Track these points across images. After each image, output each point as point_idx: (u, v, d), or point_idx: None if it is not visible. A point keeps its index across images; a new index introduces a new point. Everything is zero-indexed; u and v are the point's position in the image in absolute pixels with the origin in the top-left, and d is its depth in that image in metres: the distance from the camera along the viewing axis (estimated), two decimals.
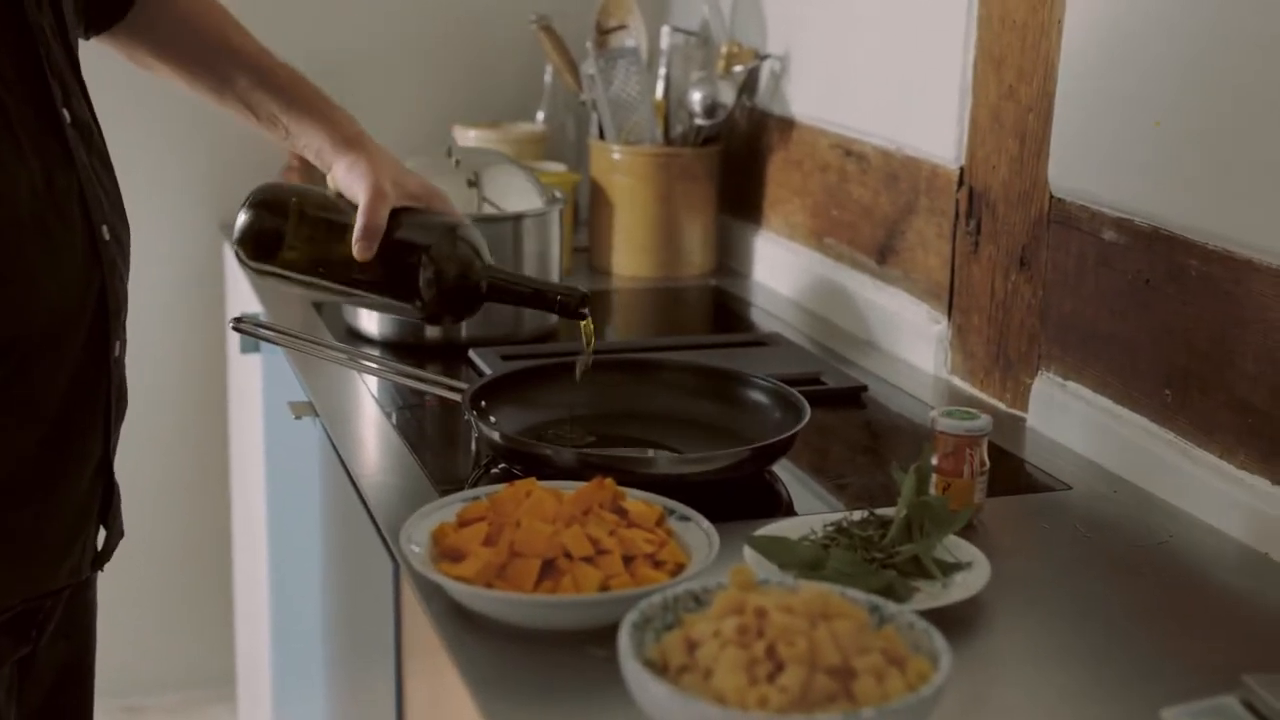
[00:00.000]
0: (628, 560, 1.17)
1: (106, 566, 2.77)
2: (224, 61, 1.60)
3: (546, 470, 1.38)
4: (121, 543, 2.64)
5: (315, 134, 1.59)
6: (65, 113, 1.33)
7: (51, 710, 1.45)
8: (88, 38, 1.55)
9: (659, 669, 0.98)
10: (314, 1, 2.54)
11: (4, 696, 1.39)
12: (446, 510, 1.26)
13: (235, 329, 1.65)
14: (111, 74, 2.44)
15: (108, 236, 1.36)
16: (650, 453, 1.50)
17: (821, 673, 0.94)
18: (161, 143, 2.54)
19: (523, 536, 1.17)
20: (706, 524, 1.25)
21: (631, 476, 1.33)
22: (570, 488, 1.25)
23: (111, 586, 2.63)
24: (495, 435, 1.44)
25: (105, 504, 1.42)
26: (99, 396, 1.37)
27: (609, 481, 1.24)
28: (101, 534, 1.44)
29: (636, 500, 1.26)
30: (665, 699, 0.94)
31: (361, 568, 1.50)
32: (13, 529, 1.32)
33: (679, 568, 1.19)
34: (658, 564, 1.19)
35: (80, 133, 1.35)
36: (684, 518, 1.26)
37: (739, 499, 1.43)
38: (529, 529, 1.17)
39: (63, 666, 1.46)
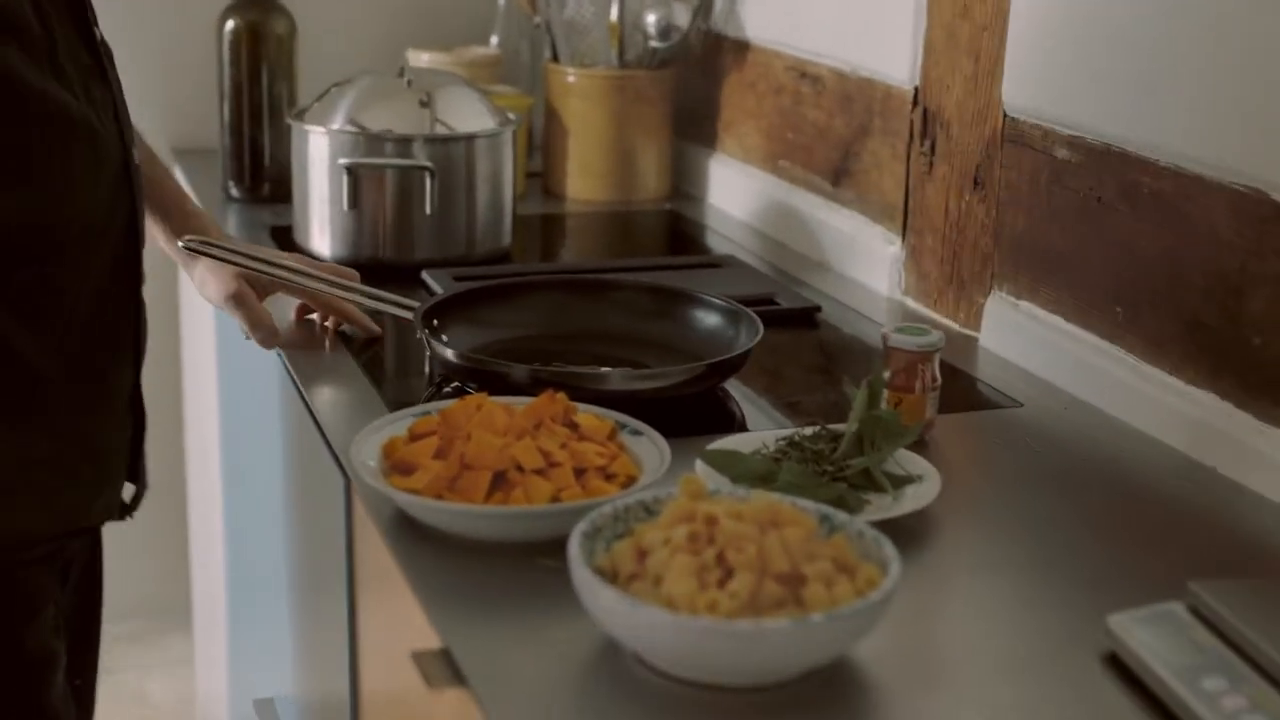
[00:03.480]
0: (579, 473, 1.17)
1: None
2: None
3: (499, 387, 1.38)
4: None
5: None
6: (97, 31, 1.34)
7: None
8: None
9: (609, 577, 0.98)
10: None
11: (54, 637, 1.38)
12: (398, 425, 1.26)
13: (184, 247, 1.63)
14: None
15: (137, 161, 1.36)
16: (604, 369, 1.50)
17: (771, 579, 0.95)
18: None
19: (473, 449, 1.16)
20: (659, 438, 1.25)
21: (586, 393, 1.33)
22: (522, 403, 1.25)
23: None
24: (448, 353, 1.44)
25: (135, 447, 1.43)
26: (128, 325, 1.37)
27: (560, 395, 1.24)
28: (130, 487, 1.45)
29: (588, 414, 1.26)
30: (615, 605, 0.94)
31: (314, 487, 1.50)
32: (46, 457, 1.31)
33: (630, 480, 1.19)
34: (609, 477, 1.19)
35: (105, 53, 1.35)
36: (636, 432, 1.26)
37: (693, 417, 1.43)
38: (479, 442, 1.17)
39: (76, 613, 1.48)
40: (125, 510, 1.44)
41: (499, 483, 1.16)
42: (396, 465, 1.20)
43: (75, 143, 1.28)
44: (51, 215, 1.27)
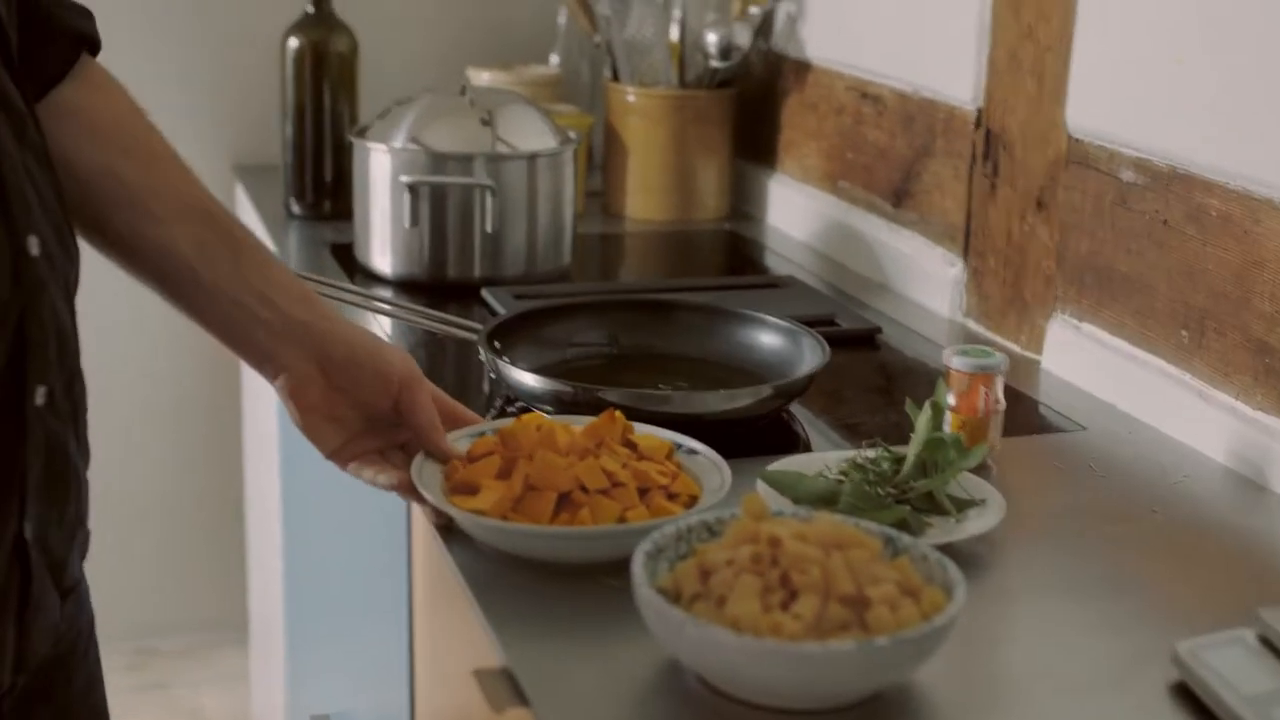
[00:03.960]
0: (642, 493, 1.17)
1: (119, 509, 2.67)
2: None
3: (564, 408, 1.38)
4: (135, 485, 2.67)
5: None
6: None
7: None
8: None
9: (672, 597, 0.98)
10: None
11: None
12: (456, 445, 1.25)
13: None
14: (112, 5, 2.43)
15: (35, 251, 1.03)
16: (668, 390, 1.50)
17: (835, 601, 0.94)
18: (170, 77, 2.53)
19: (537, 469, 1.16)
20: (716, 456, 1.24)
21: (652, 415, 1.33)
22: (579, 422, 1.25)
23: (123, 529, 2.64)
24: (520, 374, 1.43)
25: (23, 599, 1.07)
26: (11, 461, 1.03)
27: (619, 415, 1.23)
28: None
29: (645, 434, 1.25)
30: (679, 625, 0.93)
31: (374, 506, 1.50)
32: None
33: (692, 500, 1.19)
34: (671, 496, 1.18)
35: (8, 115, 1.03)
36: (691, 451, 1.26)
37: (754, 437, 1.42)
38: (543, 462, 1.16)
39: None
40: (19, 667, 1.08)
41: (563, 503, 1.15)
42: (458, 486, 1.19)
43: None
44: None
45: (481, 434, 1.26)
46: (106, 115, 1.20)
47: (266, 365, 1.22)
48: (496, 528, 1.14)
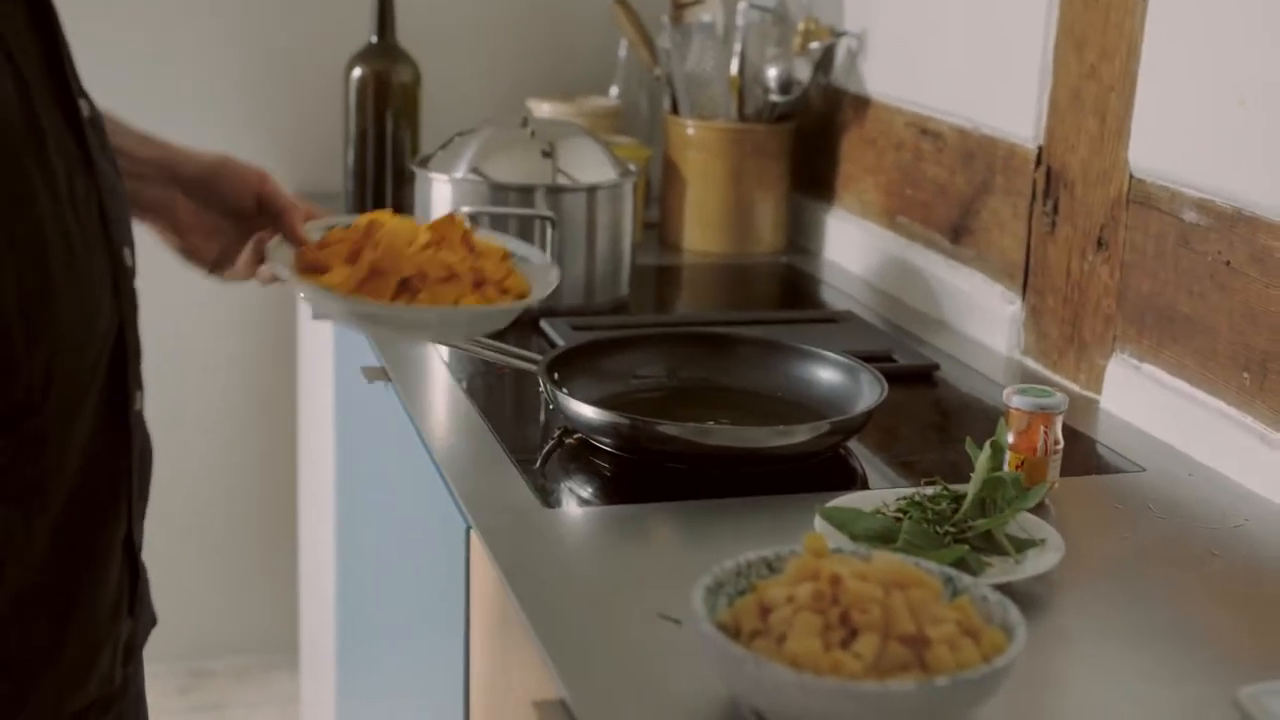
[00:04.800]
0: (477, 285, 1.30)
1: (175, 531, 2.68)
2: None
3: (623, 441, 1.39)
4: (188, 507, 2.69)
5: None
6: (83, 104, 1.05)
7: None
8: None
9: (732, 633, 0.98)
10: None
11: None
12: (312, 233, 1.35)
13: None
14: (182, 36, 2.46)
15: (129, 262, 1.08)
16: (727, 424, 1.50)
17: (895, 640, 0.94)
18: (237, 104, 2.56)
19: (383, 255, 1.28)
20: (546, 260, 1.41)
21: (711, 449, 1.33)
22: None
23: (177, 551, 2.67)
24: (574, 404, 1.43)
25: (132, 594, 1.14)
26: (119, 466, 1.09)
27: (459, 218, 1.36)
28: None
29: (482, 239, 1.37)
30: (740, 662, 0.94)
31: (431, 531, 1.51)
32: (31, 643, 1.05)
33: (522, 296, 1.33)
34: (503, 291, 1.32)
35: (96, 132, 1.07)
36: (524, 258, 1.40)
37: (813, 474, 1.43)
38: (389, 249, 1.28)
39: None
40: (127, 659, 1.15)
41: (404, 288, 1.27)
42: (308, 266, 1.30)
43: (56, 268, 1.00)
44: (41, 363, 1.00)
45: (334, 226, 1.36)
46: None
47: (137, 215, 1.26)
48: (340, 302, 1.26)
